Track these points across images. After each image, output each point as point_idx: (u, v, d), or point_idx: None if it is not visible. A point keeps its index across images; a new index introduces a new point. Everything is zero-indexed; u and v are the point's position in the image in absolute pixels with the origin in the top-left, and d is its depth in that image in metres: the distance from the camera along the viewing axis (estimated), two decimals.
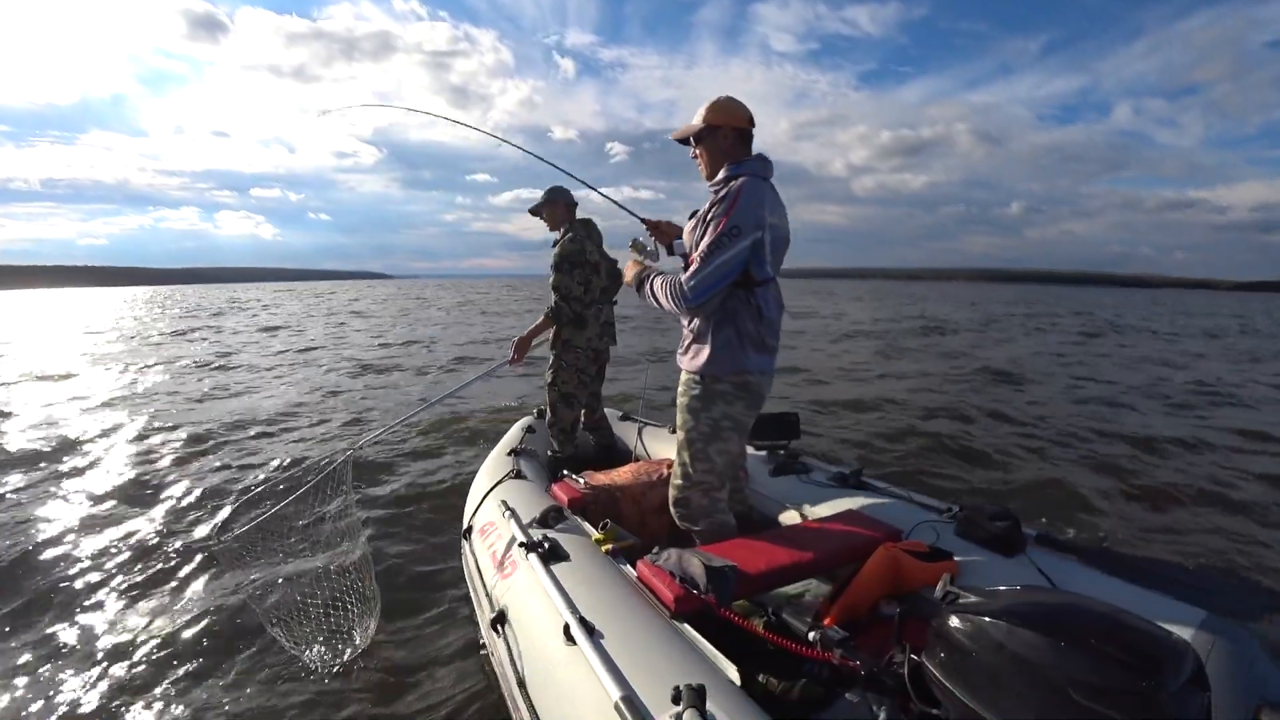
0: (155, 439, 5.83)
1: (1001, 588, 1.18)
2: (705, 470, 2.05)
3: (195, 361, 11.31)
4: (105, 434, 5.98)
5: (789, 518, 2.38)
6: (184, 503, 4.22)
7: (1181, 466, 5.12)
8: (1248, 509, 4.11)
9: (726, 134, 1.99)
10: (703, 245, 1.88)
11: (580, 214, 3.31)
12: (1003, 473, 4.91)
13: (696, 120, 2.02)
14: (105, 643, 2.63)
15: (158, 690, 2.37)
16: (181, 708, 2.26)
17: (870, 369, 10.22)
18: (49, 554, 3.40)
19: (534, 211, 3.35)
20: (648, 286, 2.05)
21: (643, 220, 2.35)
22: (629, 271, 2.18)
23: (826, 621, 1.52)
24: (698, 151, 2.05)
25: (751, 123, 2.02)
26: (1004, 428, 6.26)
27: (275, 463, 5.11)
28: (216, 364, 10.99)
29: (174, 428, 6.22)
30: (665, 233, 2.31)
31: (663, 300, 1.98)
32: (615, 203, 2.61)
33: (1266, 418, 6.91)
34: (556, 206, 3.27)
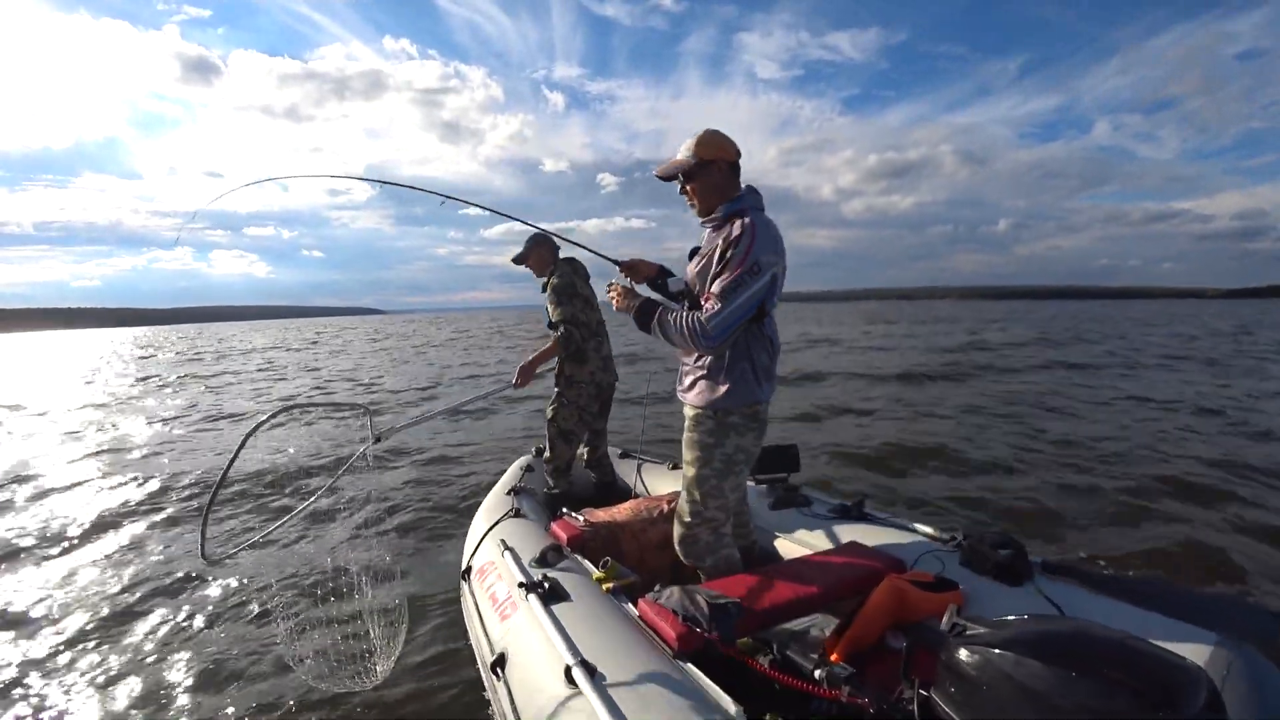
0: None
1: (1009, 617, 1.17)
2: (718, 507, 2.03)
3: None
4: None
5: (791, 551, 2.35)
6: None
7: (1193, 486, 5.08)
8: (1260, 531, 4.07)
9: (720, 168, 1.97)
10: (722, 283, 1.84)
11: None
12: (1006, 499, 4.88)
13: (684, 156, 1.98)
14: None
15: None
16: None
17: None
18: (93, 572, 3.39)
19: (518, 261, 3.37)
20: (656, 321, 1.98)
21: (615, 262, 2.31)
22: (617, 300, 2.11)
23: (833, 657, 1.50)
24: (689, 188, 2.02)
25: (739, 155, 2.01)
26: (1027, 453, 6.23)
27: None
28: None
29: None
30: (639, 270, 2.26)
31: (676, 337, 1.93)
32: (584, 247, 2.66)
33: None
34: (542, 249, 3.31)
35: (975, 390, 10.19)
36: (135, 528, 4.44)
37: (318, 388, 13.07)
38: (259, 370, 17.07)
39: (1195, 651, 1.30)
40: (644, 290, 2.22)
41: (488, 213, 2.84)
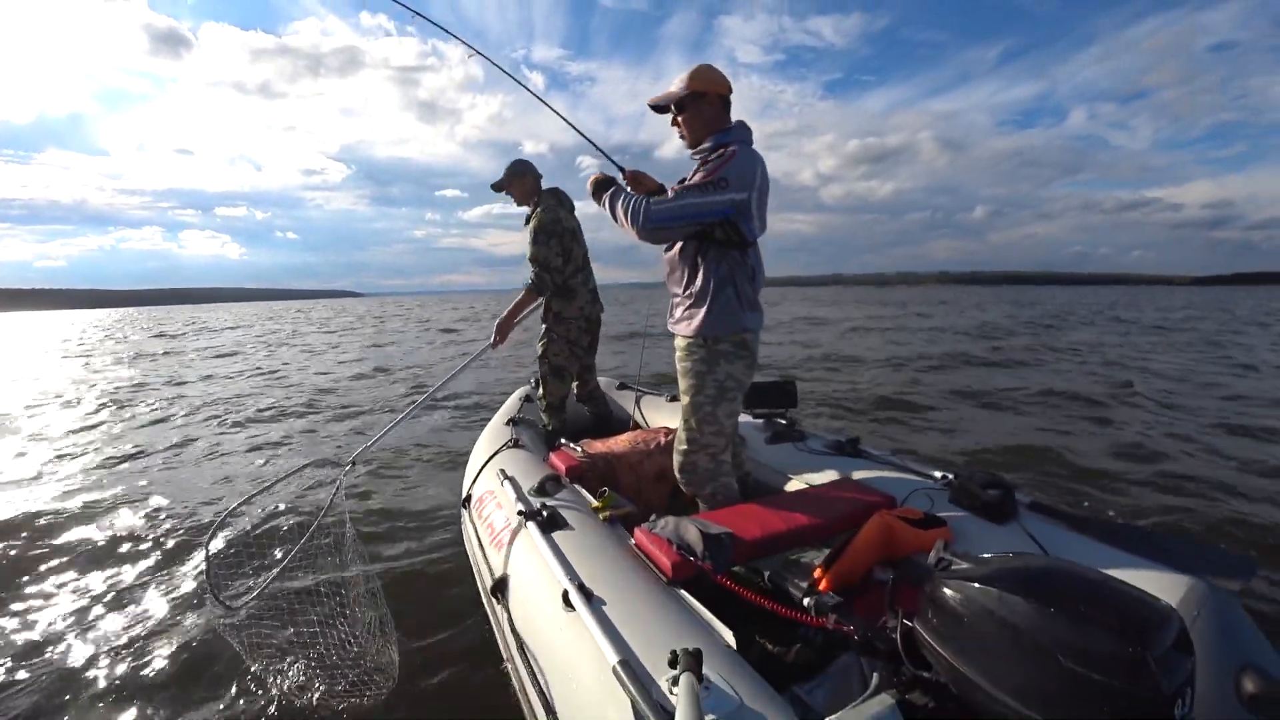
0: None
1: (993, 554, 1.20)
2: (713, 433, 2.07)
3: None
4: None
5: (785, 485, 2.40)
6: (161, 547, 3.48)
7: (1171, 434, 5.16)
8: (1237, 476, 4.17)
9: (711, 101, 2.00)
10: (683, 184, 1.89)
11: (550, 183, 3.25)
12: (995, 440, 4.96)
13: (678, 87, 2.01)
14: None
15: None
16: None
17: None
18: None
19: (498, 187, 3.26)
20: (607, 195, 2.04)
21: (620, 169, 2.30)
22: (593, 178, 2.14)
23: (821, 587, 1.55)
24: (680, 119, 2.04)
25: (731, 90, 2.03)
26: (1008, 400, 6.29)
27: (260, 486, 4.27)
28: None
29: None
30: (642, 183, 2.26)
31: (619, 212, 1.97)
32: (594, 145, 2.51)
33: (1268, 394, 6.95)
34: (524, 180, 3.21)
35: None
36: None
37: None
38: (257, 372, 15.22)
39: (1169, 592, 1.35)
40: None
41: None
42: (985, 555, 1.20)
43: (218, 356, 14.93)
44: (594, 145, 2.50)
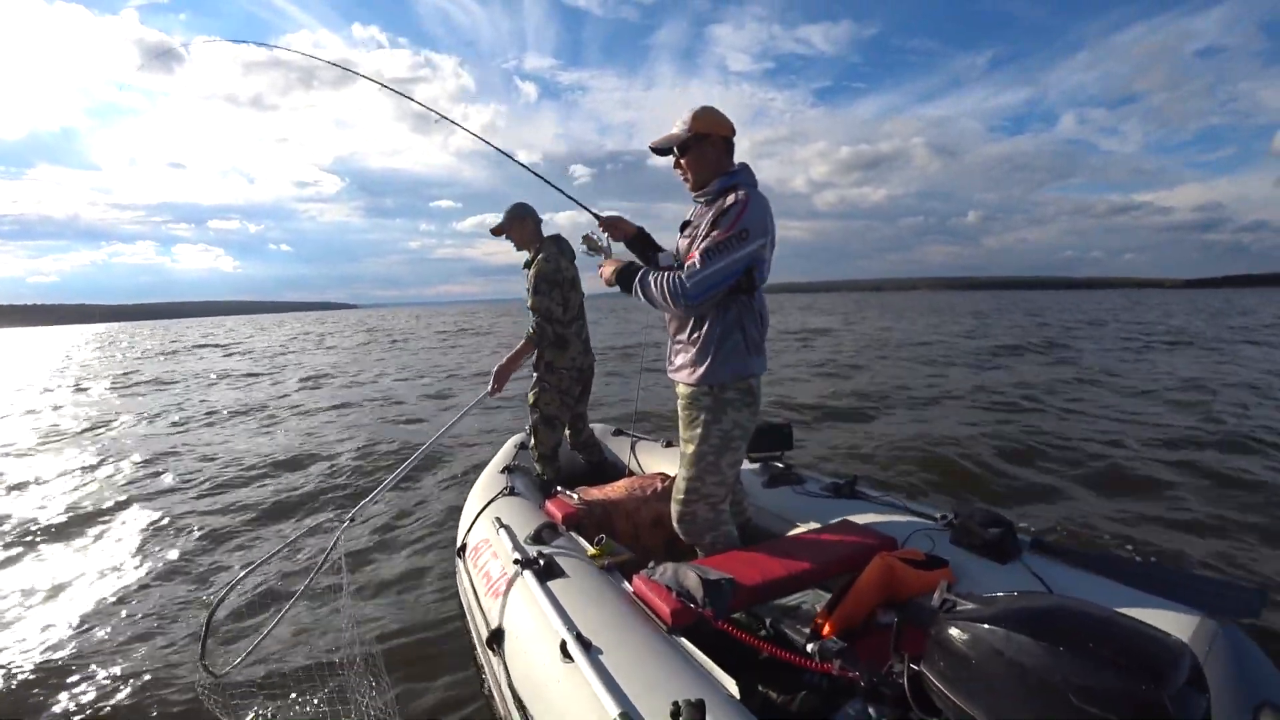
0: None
1: (998, 594, 1.18)
2: (715, 483, 2.04)
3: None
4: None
5: (784, 529, 2.37)
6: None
7: (1177, 468, 5.15)
8: (1244, 511, 4.13)
9: (715, 143, 1.98)
10: (707, 245, 1.85)
11: (531, 198, 3.23)
12: (996, 480, 4.93)
13: (680, 129, 1.98)
14: None
15: None
16: None
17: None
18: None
19: (497, 232, 3.24)
20: (637, 282, 1.99)
21: (595, 216, 2.32)
22: (607, 269, 2.12)
23: (824, 632, 1.52)
24: (683, 161, 2.02)
25: (734, 132, 2.02)
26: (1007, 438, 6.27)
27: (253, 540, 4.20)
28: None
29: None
30: (619, 228, 2.28)
31: (655, 294, 1.93)
32: (570, 197, 2.54)
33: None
34: (525, 224, 3.18)
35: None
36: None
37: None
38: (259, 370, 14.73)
39: (1179, 628, 1.32)
40: (621, 249, 2.28)
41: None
42: (990, 595, 1.18)
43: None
44: (563, 192, 2.56)
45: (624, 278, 2.04)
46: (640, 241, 2.29)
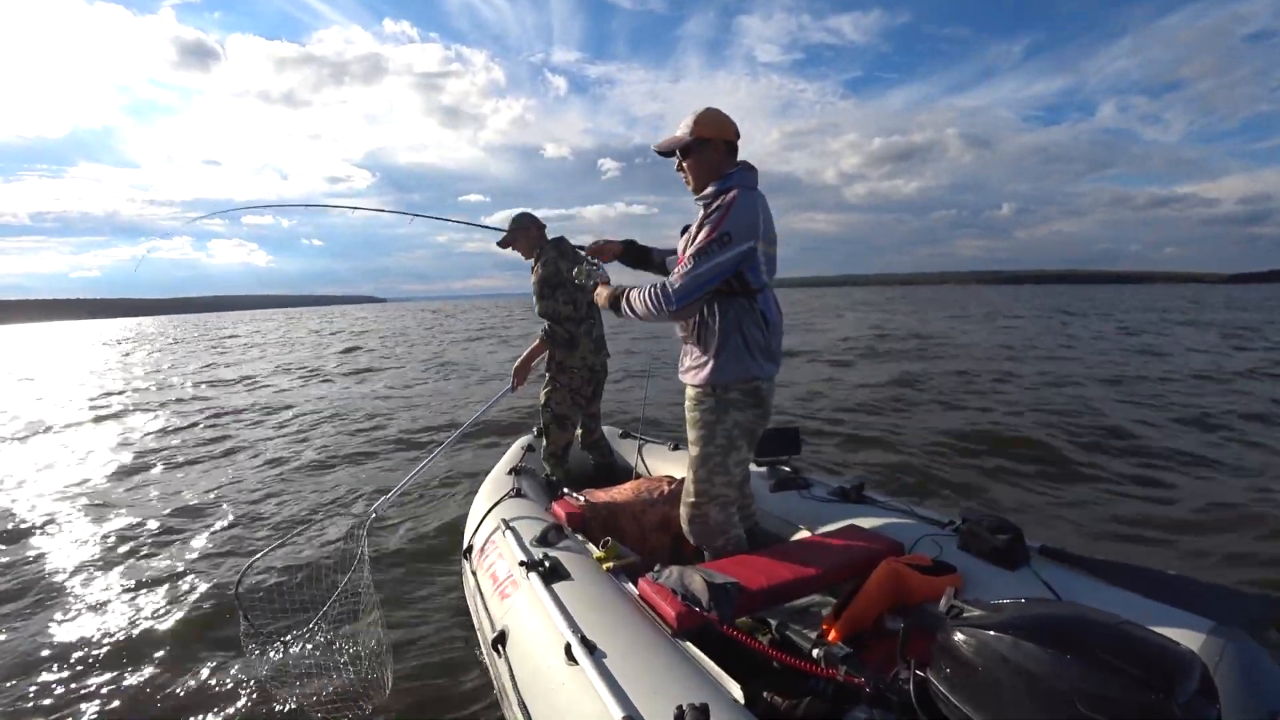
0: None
1: (1005, 600, 1.17)
2: (724, 483, 2.04)
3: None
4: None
5: (791, 533, 2.36)
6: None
7: (1186, 475, 5.09)
8: (1254, 518, 4.08)
9: (717, 147, 1.97)
10: (691, 249, 1.87)
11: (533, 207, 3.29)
12: (1004, 485, 4.89)
13: (683, 132, 1.98)
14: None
15: None
16: None
17: None
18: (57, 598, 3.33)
19: (504, 244, 3.29)
20: (624, 302, 2.04)
21: (580, 249, 2.37)
22: (601, 296, 2.16)
23: (831, 637, 1.51)
24: (685, 165, 2.02)
25: (738, 135, 2.01)
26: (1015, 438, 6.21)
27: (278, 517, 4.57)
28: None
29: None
30: (605, 251, 2.34)
31: (640, 309, 1.97)
32: (486, 227, 2.72)
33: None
34: (528, 233, 3.24)
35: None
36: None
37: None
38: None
39: (1189, 637, 1.31)
40: (613, 268, 2.33)
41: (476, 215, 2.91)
42: (998, 601, 1.17)
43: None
44: (486, 227, 2.65)
45: (613, 302, 2.09)
46: (632, 253, 2.34)
